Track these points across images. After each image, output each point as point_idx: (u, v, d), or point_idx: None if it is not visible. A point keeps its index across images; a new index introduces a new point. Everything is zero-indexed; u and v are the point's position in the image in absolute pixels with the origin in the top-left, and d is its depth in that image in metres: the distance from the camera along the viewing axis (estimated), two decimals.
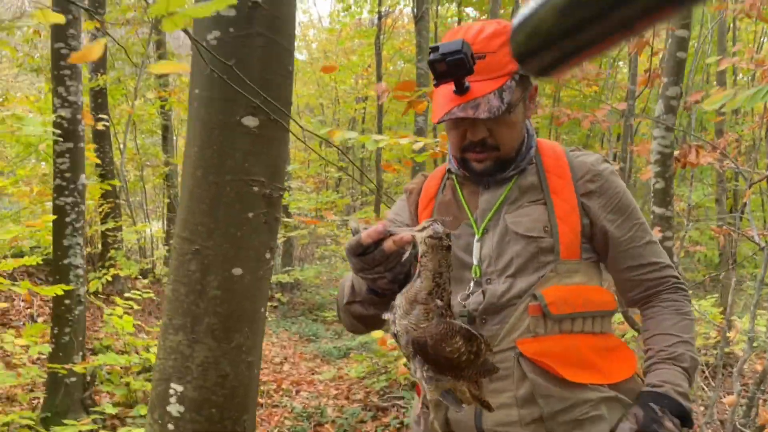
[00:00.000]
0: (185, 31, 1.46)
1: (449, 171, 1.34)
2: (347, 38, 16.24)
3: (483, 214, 1.25)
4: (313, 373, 5.87)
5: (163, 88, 9.44)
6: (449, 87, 1.14)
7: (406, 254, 0.99)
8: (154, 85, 9.73)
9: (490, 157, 1.22)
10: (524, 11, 0.38)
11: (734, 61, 4.00)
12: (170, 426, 1.69)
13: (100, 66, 7.49)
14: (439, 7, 13.90)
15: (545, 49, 0.37)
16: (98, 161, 6.24)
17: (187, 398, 1.69)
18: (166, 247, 9.62)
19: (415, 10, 10.80)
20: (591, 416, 1.14)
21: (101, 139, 7.13)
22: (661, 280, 1.25)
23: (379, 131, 13.94)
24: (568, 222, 1.19)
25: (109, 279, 6.58)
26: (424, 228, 0.93)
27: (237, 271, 1.73)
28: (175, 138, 10.94)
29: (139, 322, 4.43)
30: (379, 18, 14.44)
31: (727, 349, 3.87)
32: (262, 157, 1.76)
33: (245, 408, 1.78)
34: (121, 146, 8.77)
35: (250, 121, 1.72)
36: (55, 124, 3.73)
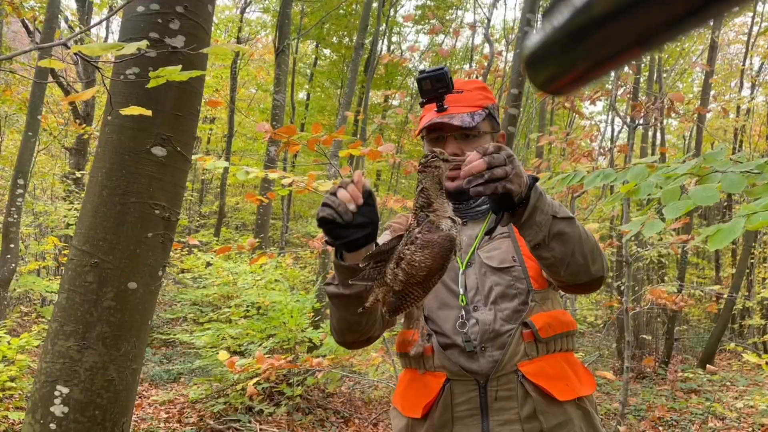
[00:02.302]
0: (95, 66, 1.60)
1: None
2: None
3: (466, 249, 1.39)
4: (140, 397, 5.72)
5: None
6: (432, 108, 1.38)
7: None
8: None
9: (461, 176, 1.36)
10: (538, 36, 0.38)
11: (551, 140, 4.87)
12: (53, 426, 1.78)
13: None
14: (300, 45, 14.34)
15: (554, 57, 0.37)
16: None
17: (73, 399, 1.80)
18: None
19: (277, 44, 11.10)
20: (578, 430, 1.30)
21: None
22: None
23: (227, 156, 13.87)
24: (531, 257, 1.33)
25: None
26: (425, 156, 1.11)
27: (132, 285, 1.90)
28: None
29: None
30: (238, 43, 14.53)
31: None
32: (165, 184, 1.96)
33: (126, 411, 1.91)
34: None
35: (158, 151, 1.93)
36: None
